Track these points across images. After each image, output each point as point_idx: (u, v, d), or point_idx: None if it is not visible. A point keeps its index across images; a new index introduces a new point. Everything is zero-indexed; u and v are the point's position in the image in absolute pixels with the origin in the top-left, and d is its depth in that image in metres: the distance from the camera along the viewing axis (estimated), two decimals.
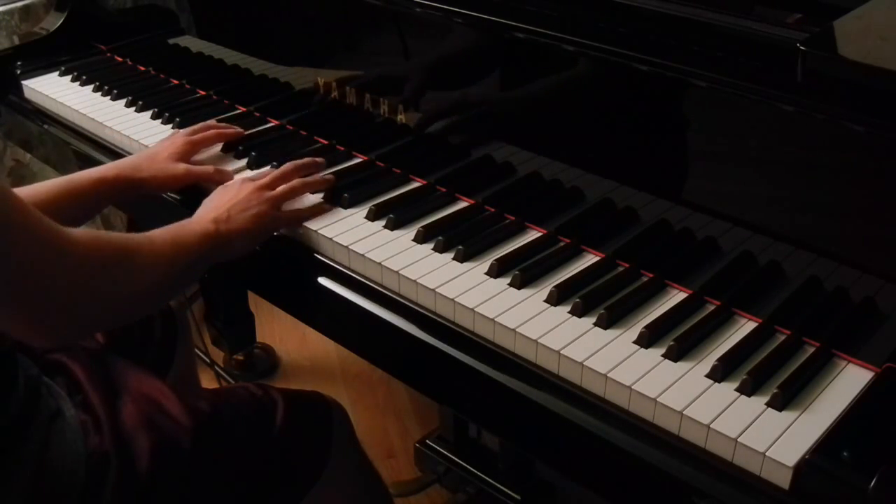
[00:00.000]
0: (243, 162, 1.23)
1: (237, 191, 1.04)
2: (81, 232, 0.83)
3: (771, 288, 0.90)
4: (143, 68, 1.58)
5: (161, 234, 0.94)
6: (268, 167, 1.18)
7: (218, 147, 1.25)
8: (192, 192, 1.16)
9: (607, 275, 0.95)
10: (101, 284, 0.84)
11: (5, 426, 0.86)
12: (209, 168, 1.17)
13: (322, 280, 1.02)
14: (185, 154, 1.17)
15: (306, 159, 1.15)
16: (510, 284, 0.93)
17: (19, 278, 0.76)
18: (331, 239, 1.02)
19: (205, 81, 1.48)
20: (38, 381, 0.93)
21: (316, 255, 1.04)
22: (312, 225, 1.05)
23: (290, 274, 1.08)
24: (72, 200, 1.04)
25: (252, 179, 1.07)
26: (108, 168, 1.13)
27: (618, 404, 0.80)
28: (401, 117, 1.18)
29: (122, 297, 0.87)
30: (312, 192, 1.11)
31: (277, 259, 1.08)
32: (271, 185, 1.06)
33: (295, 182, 1.09)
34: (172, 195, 1.20)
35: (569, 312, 0.89)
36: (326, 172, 1.15)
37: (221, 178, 1.15)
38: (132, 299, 0.89)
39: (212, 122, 1.29)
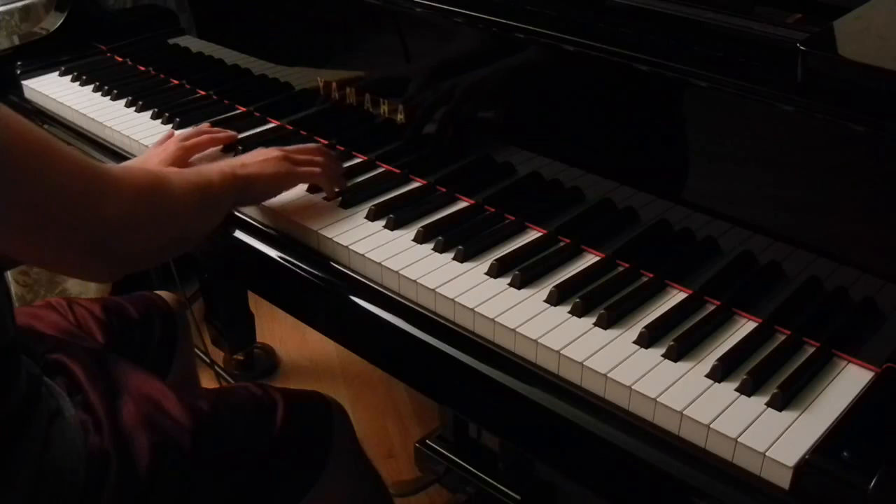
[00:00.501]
0: None
1: (257, 150, 1.09)
2: (115, 165, 0.88)
3: (771, 288, 0.90)
4: (143, 68, 1.58)
5: (181, 174, 0.98)
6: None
7: (217, 148, 1.25)
8: None
9: (607, 275, 0.95)
10: (141, 213, 0.87)
11: (6, 423, 0.86)
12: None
13: (322, 280, 1.02)
14: (178, 160, 1.17)
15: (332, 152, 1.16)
16: (510, 284, 0.93)
17: (57, 211, 0.79)
18: (331, 239, 1.02)
19: (205, 81, 1.48)
20: (38, 381, 0.93)
21: (316, 254, 1.04)
22: (313, 225, 1.05)
23: (289, 274, 1.08)
24: None
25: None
26: None
27: (618, 404, 0.80)
28: (401, 117, 1.18)
29: (160, 225, 0.91)
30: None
31: (277, 259, 1.08)
32: (295, 153, 1.09)
33: (318, 158, 1.11)
34: None
35: (569, 312, 0.89)
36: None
37: None
38: (169, 228, 0.93)
39: (205, 125, 1.28)
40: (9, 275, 1.94)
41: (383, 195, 1.11)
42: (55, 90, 1.49)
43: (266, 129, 1.33)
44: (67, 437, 0.91)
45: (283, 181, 1.07)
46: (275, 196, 1.08)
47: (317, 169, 1.08)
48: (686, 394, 0.78)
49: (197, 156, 1.21)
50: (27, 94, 1.54)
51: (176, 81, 1.52)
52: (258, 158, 1.05)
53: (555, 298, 0.91)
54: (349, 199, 1.09)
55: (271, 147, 1.10)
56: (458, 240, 0.99)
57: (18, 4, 1.83)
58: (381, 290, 0.98)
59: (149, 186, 0.89)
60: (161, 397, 0.99)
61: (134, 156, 1.28)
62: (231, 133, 1.27)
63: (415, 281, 0.94)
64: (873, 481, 0.67)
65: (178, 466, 0.94)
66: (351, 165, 1.20)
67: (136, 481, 0.91)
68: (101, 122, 1.37)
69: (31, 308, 1.16)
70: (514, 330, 0.86)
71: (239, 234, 1.10)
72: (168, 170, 0.97)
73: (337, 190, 1.11)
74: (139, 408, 0.97)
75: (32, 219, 0.77)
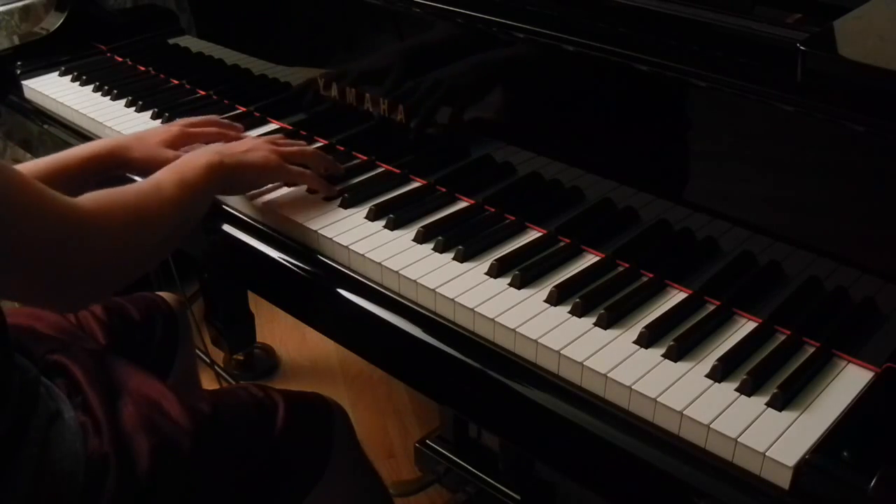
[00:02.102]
0: None
1: (251, 139, 1.11)
2: (91, 201, 0.86)
3: (771, 288, 0.90)
4: (143, 68, 1.58)
5: (168, 176, 0.97)
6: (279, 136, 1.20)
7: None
8: None
9: (607, 275, 0.95)
10: (119, 247, 0.88)
11: (3, 426, 0.86)
12: None
13: (322, 280, 1.02)
14: (177, 143, 1.17)
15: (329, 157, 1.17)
16: (510, 284, 0.93)
17: (38, 255, 0.79)
18: (331, 239, 1.02)
19: (205, 81, 1.48)
20: (37, 383, 0.93)
21: (316, 254, 1.04)
22: (312, 225, 1.05)
23: (289, 274, 1.08)
24: (63, 177, 1.06)
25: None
26: (100, 145, 1.14)
27: (618, 404, 0.80)
28: (401, 117, 1.18)
29: (141, 251, 0.92)
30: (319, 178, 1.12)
31: (277, 259, 1.08)
32: (282, 146, 1.11)
33: (308, 148, 1.13)
34: None
35: (569, 312, 0.89)
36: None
37: None
38: (150, 250, 0.93)
39: (214, 117, 1.28)
40: None
41: (383, 195, 1.11)
42: (55, 90, 1.49)
43: (266, 130, 1.33)
44: (66, 439, 0.90)
45: (272, 173, 1.08)
46: (261, 187, 1.10)
47: (307, 172, 1.10)
48: (686, 394, 0.78)
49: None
50: (27, 94, 1.54)
51: (176, 81, 1.52)
52: (247, 147, 1.07)
53: (555, 298, 0.91)
54: (349, 199, 1.09)
55: (260, 138, 1.12)
56: (458, 240, 0.99)
57: (18, 4, 1.83)
58: (381, 290, 0.98)
59: (125, 220, 0.89)
60: (161, 399, 0.99)
61: None
62: (238, 127, 1.27)
63: (415, 281, 0.94)
64: (873, 481, 0.67)
65: (178, 468, 0.94)
66: (351, 165, 1.20)
67: (135, 484, 0.91)
68: (101, 122, 1.37)
69: (32, 308, 1.16)
70: (514, 330, 0.86)
71: (239, 234, 1.10)
72: (154, 179, 0.96)
73: (336, 189, 1.11)
74: (139, 409, 0.96)
75: (2, 259, 0.77)
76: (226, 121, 1.28)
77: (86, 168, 1.09)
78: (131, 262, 0.91)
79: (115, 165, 1.13)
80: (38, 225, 0.78)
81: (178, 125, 1.19)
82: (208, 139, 1.22)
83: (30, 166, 1.04)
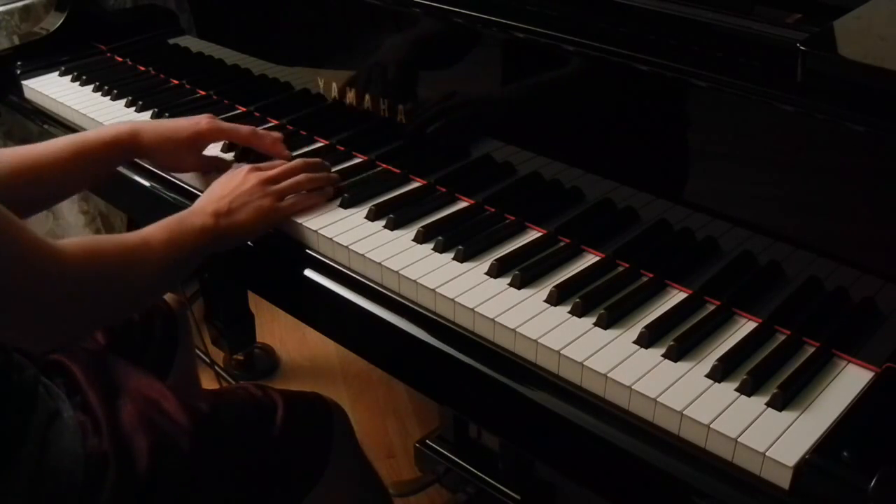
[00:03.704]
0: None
1: (241, 181, 1.04)
2: (76, 246, 0.84)
3: (771, 288, 0.90)
4: (143, 68, 1.58)
5: (158, 233, 0.94)
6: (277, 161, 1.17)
7: (218, 146, 1.25)
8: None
9: (607, 275, 0.95)
10: (98, 296, 0.87)
11: (3, 425, 0.86)
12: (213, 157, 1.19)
13: (322, 280, 1.02)
14: (206, 138, 1.16)
15: (316, 159, 1.14)
16: (510, 284, 0.93)
17: (17, 297, 0.78)
18: (331, 239, 1.02)
19: (205, 81, 1.48)
20: (36, 382, 0.93)
21: (316, 255, 1.04)
22: (312, 225, 1.05)
23: (290, 274, 1.08)
24: (83, 160, 1.05)
25: (259, 169, 1.07)
26: (122, 130, 1.10)
27: (618, 404, 0.80)
28: (401, 117, 1.17)
29: (120, 302, 0.91)
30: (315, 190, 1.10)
31: (277, 259, 1.08)
32: (277, 179, 1.06)
33: (300, 177, 1.08)
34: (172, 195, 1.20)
35: (569, 312, 0.89)
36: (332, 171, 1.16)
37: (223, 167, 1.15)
38: (129, 302, 0.94)
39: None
40: None
41: (383, 195, 1.11)
42: (55, 90, 1.49)
43: (266, 129, 1.33)
44: (66, 438, 0.90)
45: (268, 223, 1.04)
46: (256, 237, 1.05)
47: (299, 200, 1.06)
48: (686, 394, 0.78)
49: (209, 153, 1.20)
50: (27, 94, 1.53)
51: (176, 81, 1.52)
52: (244, 199, 1.01)
53: (555, 298, 0.90)
54: (349, 199, 1.09)
55: (251, 168, 1.06)
56: (458, 240, 0.99)
57: (18, 4, 1.83)
58: (381, 289, 0.97)
59: (109, 270, 0.87)
60: (160, 398, 0.99)
61: None
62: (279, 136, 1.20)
63: (415, 281, 0.94)
64: (873, 481, 0.67)
65: (177, 468, 0.94)
66: (351, 165, 1.20)
67: (134, 483, 0.91)
68: (101, 122, 1.37)
69: None
70: (514, 330, 0.86)
71: None
72: (144, 234, 0.93)
73: (333, 191, 1.10)
74: (138, 409, 0.96)
75: None
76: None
77: (109, 152, 1.07)
78: (106, 308, 0.90)
79: (137, 153, 1.12)
80: (16, 262, 0.77)
81: (206, 119, 1.16)
82: (236, 137, 1.19)
83: (48, 146, 1.03)
